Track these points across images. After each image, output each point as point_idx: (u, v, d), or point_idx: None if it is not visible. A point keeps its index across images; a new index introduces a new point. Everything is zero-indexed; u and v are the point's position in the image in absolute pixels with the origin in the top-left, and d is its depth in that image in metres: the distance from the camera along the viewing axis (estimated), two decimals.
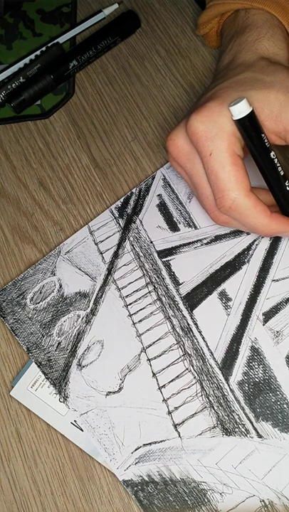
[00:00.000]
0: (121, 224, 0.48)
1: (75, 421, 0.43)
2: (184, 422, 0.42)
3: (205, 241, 0.47)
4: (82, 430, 0.43)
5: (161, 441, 0.42)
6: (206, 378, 0.43)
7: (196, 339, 0.44)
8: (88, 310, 0.46)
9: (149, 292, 0.46)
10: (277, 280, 0.45)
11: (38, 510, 0.42)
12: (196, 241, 0.47)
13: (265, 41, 0.44)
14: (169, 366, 0.43)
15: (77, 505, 0.42)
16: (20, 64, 0.56)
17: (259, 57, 0.43)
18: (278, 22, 0.45)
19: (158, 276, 0.46)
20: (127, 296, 0.46)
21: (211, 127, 0.38)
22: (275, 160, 0.38)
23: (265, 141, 0.38)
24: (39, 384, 0.45)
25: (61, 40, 0.56)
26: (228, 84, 0.40)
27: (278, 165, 0.39)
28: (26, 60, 0.56)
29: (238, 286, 0.45)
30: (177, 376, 0.43)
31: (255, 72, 0.40)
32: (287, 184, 0.39)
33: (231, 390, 0.42)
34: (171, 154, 0.42)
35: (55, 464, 0.43)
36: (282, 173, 0.39)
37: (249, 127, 0.37)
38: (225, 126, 0.38)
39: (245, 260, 0.46)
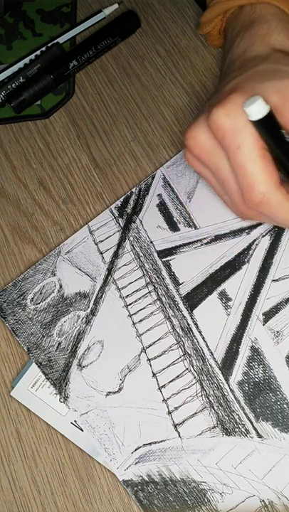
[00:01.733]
0: (121, 224, 0.48)
1: (75, 421, 0.43)
2: (183, 422, 0.42)
3: (205, 241, 0.47)
4: (82, 430, 0.43)
5: (161, 441, 0.42)
6: (206, 378, 0.43)
7: (196, 339, 0.44)
8: (88, 310, 0.46)
9: (149, 292, 0.46)
10: (277, 280, 0.45)
11: (38, 510, 0.42)
12: (196, 241, 0.47)
13: (276, 34, 0.43)
14: (169, 366, 0.43)
15: (77, 505, 0.42)
16: (21, 64, 0.56)
17: (272, 49, 0.42)
18: (287, 15, 0.44)
19: (158, 276, 0.46)
20: (127, 297, 0.46)
21: (237, 120, 0.36)
22: None
23: (287, 137, 0.36)
24: (39, 384, 0.45)
25: (61, 40, 0.56)
26: (248, 76, 0.38)
27: None
28: (26, 60, 0.56)
29: (238, 286, 0.45)
30: (177, 376, 0.43)
31: (273, 63, 0.39)
32: None
33: (231, 390, 0.42)
34: (192, 152, 0.40)
35: (55, 463, 0.43)
36: None
37: (267, 127, 0.35)
38: None
39: (245, 260, 0.45)
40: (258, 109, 0.35)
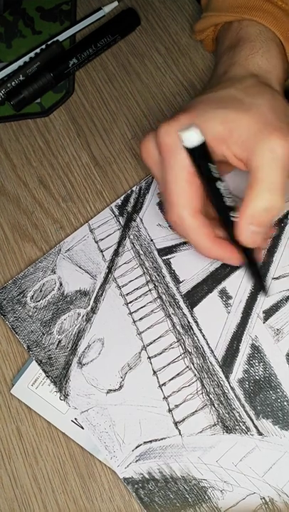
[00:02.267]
0: (121, 222, 0.48)
1: (75, 419, 0.43)
2: (184, 419, 0.42)
3: None
4: (82, 428, 0.43)
5: (162, 439, 0.42)
6: (206, 376, 0.43)
7: (197, 337, 0.44)
8: (89, 308, 0.46)
9: (150, 290, 0.46)
10: (278, 278, 0.45)
11: (39, 507, 0.42)
12: None
13: (258, 57, 0.43)
14: (169, 364, 0.44)
15: (78, 502, 0.42)
16: (20, 62, 0.56)
17: (248, 73, 0.42)
18: (272, 35, 0.44)
19: (158, 275, 0.46)
20: (127, 294, 0.46)
21: (176, 140, 0.37)
22: (222, 189, 0.38)
23: (212, 171, 0.37)
24: (40, 382, 0.45)
25: (61, 37, 0.56)
26: (206, 99, 0.39)
27: (224, 195, 0.38)
28: (26, 58, 0.56)
29: (239, 284, 0.45)
30: (178, 374, 0.43)
31: (239, 90, 0.39)
32: (232, 215, 0.38)
33: (232, 387, 0.42)
34: (143, 160, 0.42)
35: (55, 461, 0.43)
36: (228, 203, 0.38)
37: (198, 157, 0.37)
38: None
39: None
40: (188, 138, 0.36)
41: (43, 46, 0.56)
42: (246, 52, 0.43)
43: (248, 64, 0.43)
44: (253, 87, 0.40)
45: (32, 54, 0.56)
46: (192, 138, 0.35)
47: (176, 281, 0.46)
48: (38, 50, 0.56)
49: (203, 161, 0.37)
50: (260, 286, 0.44)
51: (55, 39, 0.56)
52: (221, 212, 0.39)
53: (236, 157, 0.37)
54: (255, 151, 0.36)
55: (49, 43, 0.56)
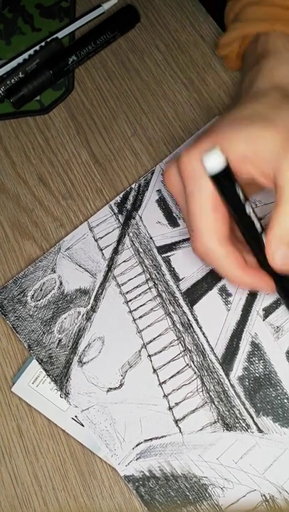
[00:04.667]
0: (120, 220, 0.48)
1: (76, 416, 0.44)
2: (184, 417, 0.42)
3: None
4: (83, 425, 0.43)
5: (162, 437, 0.42)
6: (206, 374, 0.43)
7: (197, 335, 0.44)
8: (89, 307, 0.46)
9: (149, 288, 0.46)
10: None
11: (40, 505, 0.42)
12: None
13: (283, 67, 0.41)
14: (169, 362, 0.44)
15: (79, 500, 0.42)
16: (20, 59, 0.55)
17: (273, 86, 0.40)
18: None
19: (158, 272, 0.46)
20: (127, 293, 0.46)
21: (197, 167, 0.35)
22: (252, 215, 0.35)
23: (241, 196, 0.35)
24: (40, 380, 0.45)
25: (60, 35, 0.56)
26: (229, 119, 0.37)
27: (254, 220, 0.36)
28: (25, 56, 0.55)
29: None
30: (178, 372, 0.43)
31: (263, 104, 0.38)
32: (263, 239, 0.36)
33: (232, 385, 0.42)
34: (168, 189, 0.40)
35: (56, 459, 0.43)
36: (258, 226, 0.36)
37: (223, 183, 0.35)
38: None
39: None
40: (211, 164, 0.34)
41: (43, 43, 0.56)
42: (271, 64, 0.42)
43: (272, 75, 0.41)
44: (278, 101, 0.38)
45: (31, 51, 0.55)
46: (215, 163, 0.34)
47: (176, 278, 0.46)
48: (37, 48, 0.56)
49: (229, 187, 0.35)
50: None
51: (54, 36, 0.56)
52: (251, 237, 0.37)
53: (263, 176, 0.36)
54: (279, 168, 0.34)
55: (48, 40, 0.56)
